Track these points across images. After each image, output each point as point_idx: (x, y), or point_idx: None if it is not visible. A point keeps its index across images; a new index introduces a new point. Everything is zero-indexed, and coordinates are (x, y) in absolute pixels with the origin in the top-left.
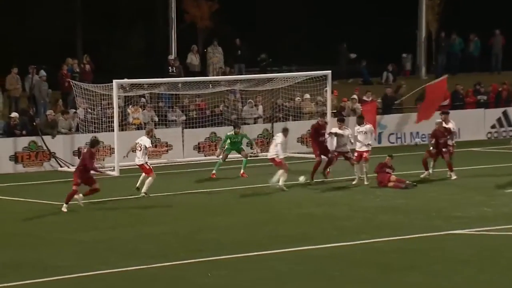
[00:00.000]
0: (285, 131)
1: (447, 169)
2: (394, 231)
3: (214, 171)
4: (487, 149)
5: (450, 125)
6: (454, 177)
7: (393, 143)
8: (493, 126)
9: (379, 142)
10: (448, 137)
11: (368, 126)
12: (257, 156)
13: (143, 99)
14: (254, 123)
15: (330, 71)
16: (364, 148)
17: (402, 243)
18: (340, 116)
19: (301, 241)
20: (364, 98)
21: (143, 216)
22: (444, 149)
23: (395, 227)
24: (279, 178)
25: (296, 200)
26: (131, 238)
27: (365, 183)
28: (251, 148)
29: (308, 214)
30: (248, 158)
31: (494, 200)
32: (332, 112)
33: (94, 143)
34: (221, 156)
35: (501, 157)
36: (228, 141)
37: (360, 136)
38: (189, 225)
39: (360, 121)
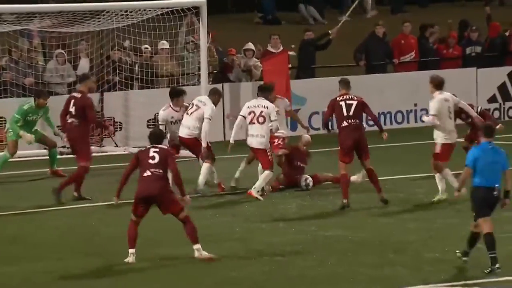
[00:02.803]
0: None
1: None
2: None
3: None
4: None
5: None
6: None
7: (318, 129)
8: (491, 99)
9: (292, 128)
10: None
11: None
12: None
13: None
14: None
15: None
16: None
17: None
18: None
19: None
20: (269, 48)
21: None
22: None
23: (330, 280)
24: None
25: (150, 237)
26: None
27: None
28: (57, 135)
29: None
30: (58, 155)
31: (504, 230)
32: (211, 72)
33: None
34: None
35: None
36: (19, 119)
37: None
38: None
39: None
